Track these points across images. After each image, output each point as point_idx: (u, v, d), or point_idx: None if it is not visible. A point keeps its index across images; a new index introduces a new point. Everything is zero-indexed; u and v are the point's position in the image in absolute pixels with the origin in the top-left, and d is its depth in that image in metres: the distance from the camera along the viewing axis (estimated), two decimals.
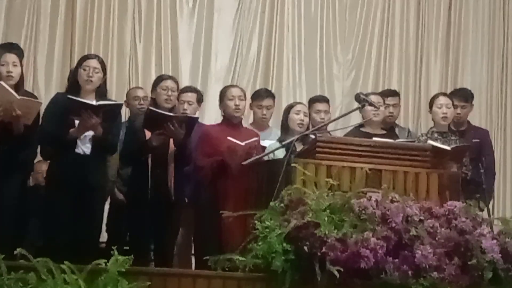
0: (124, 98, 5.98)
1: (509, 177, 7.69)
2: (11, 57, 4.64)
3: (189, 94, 5.54)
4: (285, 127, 5.18)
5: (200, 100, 5.67)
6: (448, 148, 4.87)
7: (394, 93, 6.03)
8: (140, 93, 5.75)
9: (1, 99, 4.39)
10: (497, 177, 7.09)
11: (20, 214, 4.71)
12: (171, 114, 4.93)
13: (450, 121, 5.54)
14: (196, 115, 5.31)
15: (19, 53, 4.99)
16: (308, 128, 5.08)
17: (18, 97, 4.43)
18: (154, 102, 5.17)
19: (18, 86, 4.63)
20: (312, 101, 5.75)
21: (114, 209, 5.50)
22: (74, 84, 4.81)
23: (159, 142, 4.91)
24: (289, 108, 5.28)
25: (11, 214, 4.59)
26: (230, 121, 5.21)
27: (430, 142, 4.97)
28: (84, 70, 4.76)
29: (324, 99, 5.83)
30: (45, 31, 6.88)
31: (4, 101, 4.38)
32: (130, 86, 6.73)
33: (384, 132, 5.44)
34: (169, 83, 5.20)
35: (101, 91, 4.82)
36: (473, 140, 5.49)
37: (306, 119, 5.21)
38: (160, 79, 5.32)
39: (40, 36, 6.86)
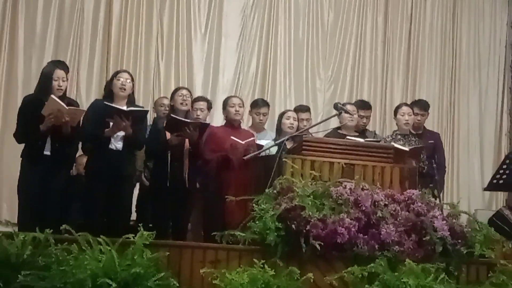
0: (150, 105, 5.99)
1: (456, 171, 7.66)
2: (61, 73, 4.59)
3: (201, 102, 5.51)
4: (279, 129, 5.18)
5: (210, 107, 5.65)
6: (406, 149, 4.85)
7: (369, 107, 5.96)
8: (165, 101, 5.72)
9: (53, 108, 4.37)
10: (447, 171, 7.09)
11: (65, 197, 4.67)
12: (188, 120, 4.91)
13: (411, 126, 5.55)
14: (207, 121, 5.28)
15: (66, 68, 4.95)
16: (297, 130, 5.06)
17: (67, 107, 4.41)
18: (172, 108, 5.14)
19: (63, 96, 4.59)
20: (296, 110, 5.70)
21: (142, 194, 5.47)
22: (109, 93, 4.78)
23: (177, 142, 4.89)
24: (282, 114, 5.30)
25: (58, 197, 4.55)
26: (231, 124, 5.18)
27: (393, 143, 4.95)
28: (118, 80, 4.73)
29: (306, 109, 5.78)
30: (86, 50, 6.84)
31: (55, 110, 4.36)
32: (154, 96, 6.74)
33: (356, 134, 5.41)
34: (184, 91, 5.18)
35: (130, 99, 4.79)
36: (429, 142, 5.45)
37: (295, 123, 5.20)
38: (177, 89, 5.31)
39: (82, 55, 6.82)
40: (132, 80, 4.83)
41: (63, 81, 4.59)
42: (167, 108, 5.44)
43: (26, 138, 4.58)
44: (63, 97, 4.56)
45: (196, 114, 5.34)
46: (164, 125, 4.94)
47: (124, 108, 4.61)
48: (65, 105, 4.41)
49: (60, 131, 4.45)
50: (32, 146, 4.55)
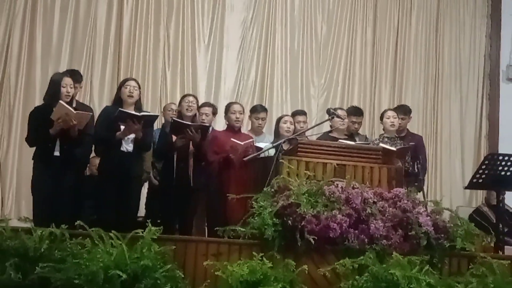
0: (158, 110, 5.98)
1: (439, 171, 7.66)
2: (69, 81, 4.59)
3: (207, 108, 5.51)
4: (277, 133, 5.22)
5: (215, 112, 5.67)
6: (394, 149, 4.85)
7: (361, 113, 5.95)
8: (173, 106, 5.74)
9: (62, 113, 4.35)
10: (430, 171, 7.12)
11: (78, 195, 4.66)
12: (189, 123, 4.91)
13: (396, 128, 5.54)
14: (208, 124, 5.26)
15: (79, 77, 4.95)
16: (293, 134, 5.08)
17: (74, 112, 4.40)
18: (179, 113, 5.16)
19: (71, 101, 4.59)
20: (294, 114, 5.73)
21: (151, 192, 5.46)
22: (118, 99, 4.77)
23: (181, 144, 4.89)
24: (279, 119, 5.35)
25: (69, 195, 4.52)
26: (232, 128, 5.19)
27: (381, 144, 4.96)
28: (126, 88, 4.73)
29: (302, 112, 5.81)
30: (98, 61, 6.84)
31: (63, 115, 4.34)
32: (161, 101, 6.75)
33: (347, 137, 5.42)
34: (190, 98, 5.19)
35: (138, 105, 4.78)
36: (410, 143, 5.45)
37: (292, 127, 5.25)
38: (184, 96, 5.32)
39: (95, 64, 6.83)
40: (139, 87, 4.82)
41: (71, 88, 4.58)
42: (175, 113, 5.44)
43: (37, 141, 4.56)
44: (71, 102, 4.56)
45: (202, 118, 5.35)
46: (169, 129, 4.95)
47: (137, 113, 4.60)
48: (72, 110, 4.40)
49: (68, 133, 4.43)
50: (43, 148, 4.52)
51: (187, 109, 5.08)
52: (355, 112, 5.82)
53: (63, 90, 4.52)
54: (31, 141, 4.63)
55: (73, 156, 4.59)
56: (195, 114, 5.16)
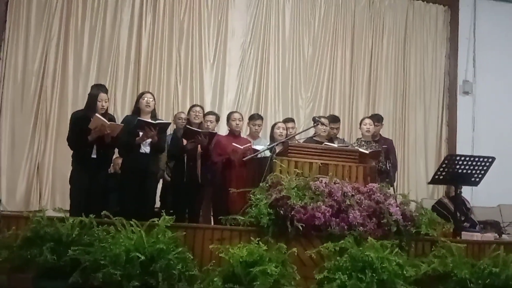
0: (171, 118, 5.94)
1: (406, 169, 7.65)
2: (104, 96, 4.58)
3: (211, 116, 5.47)
4: (271, 137, 5.22)
5: (218, 119, 5.62)
6: (367, 152, 4.85)
7: (338, 120, 5.94)
8: (182, 115, 5.68)
9: (98, 124, 4.37)
10: (399, 169, 7.12)
11: (105, 191, 4.64)
12: (199, 130, 4.91)
13: (372, 133, 5.53)
14: (215, 131, 5.25)
15: (106, 90, 4.94)
16: (284, 138, 5.06)
17: (108, 123, 4.41)
18: (188, 120, 5.16)
19: (105, 114, 4.58)
20: (285, 121, 5.72)
21: (164, 187, 5.43)
22: (137, 109, 4.76)
23: (191, 147, 4.88)
24: (273, 126, 5.35)
25: (100, 191, 4.53)
26: (233, 133, 5.18)
27: (357, 148, 4.96)
28: (143, 100, 4.72)
29: (292, 120, 5.81)
30: (121, 77, 6.80)
31: (99, 125, 4.37)
32: (173, 111, 6.69)
33: (327, 141, 5.41)
34: (197, 108, 5.19)
35: (153, 114, 4.76)
36: (382, 146, 5.46)
37: (284, 132, 5.23)
38: (192, 106, 5.33)
39: (118, 80, 6.78)
40: (154, 99, 4.81)
41: (106, 102, 4.58)
42: (184, 121, 5.43)
43: (77, 146, 4.55)
44: (105, 115, 4.56)
45: (207, 125, 5.34)
46: (182, 134, 4.93)
47: (153, 121, 4.60)
48: (107, 121, 4.41)
49: (103, 140, 4.45)
50: (82, 152, 4.51)
51: (194, 117, 5.09)
52: (333, 119, 5.82)
53: (99, 104, 4.51)
54: (72, 145, 4.59)
55: (106, 158, 4.62)
56: (201, 122, 5.17)
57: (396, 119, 7.72)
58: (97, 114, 4.42)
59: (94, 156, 4.48)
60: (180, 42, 7.05)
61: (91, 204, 4.23)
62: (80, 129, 4.46)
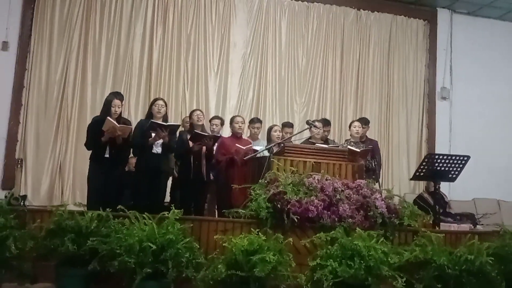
0: (180, 122, 5.94)
1: (390, 166, 7.64)
2: (117, 102, 4.60)
3: (216, 120, 5.50)
4: (269, 139, 5.19)
5: (222, 123, 5.64)
6: (358, 150, 4.86)
7: (329, 123, 5.97)
8: (189, 119, 5.72)
9: (109, 126, 4.39)
10: (384, 167, 7.12)
11: (120, 187, 4.66)
12: (206, 134, 4.92)
13: (360, 135, 5.52)
14: (218, 134, 5.25)
15: (122, 97, 4.93)
16: (281, 139, 5.07)
17: (118, 125, 4.42)
18: (191, 124, 5.16)
19: (119, 117, 4.59)
20: (283, 125, 5.72)
21: (173, 184, 5.43)
22: (150, 114, 4.78)
23: (197, 148, 4.89)
24: (270, 128, 5.33)
25: (115, 187, 4.53)
26: (236, 135, 5.18)
27: (348, 146, 4.96)
28: (155, 106, 4.73)
29: (289, 124, 5.81)
30: (134, 85, 6.82)
31: (111, 127, 4.38)
32: (181, 115, 6.70)
33: (321, 142, 5.41)
34: (198, 112, 5.19)
35: (165, 118, 4.78)
36: (368, 146, 5.46)
37: (281, 134, 5.24)
38: (193, 111, 5.32)
39: (132, 87, 6.81)
40: (166, 105, 4.82)
41: (119, 107, 4.59)
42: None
43: (93, 146, 4.57)
44: (118, 118, 4.57)
45: (212, 128, 5.36)
46: (189, 137, 4.92)
47: (164, 123, 4.60)
48: (117, 124, 4.42)
49: (115, 141, 4.45)
50: (97, 151, 4.54)
51: (197, 120, 5.10)
52: (325, 123, 5.83)
53: (112, 109, 4.53)
54: (88, 146, 4.63)
55: (119, 157, 4.60)
56: (203, 124, 5.17)
57: (381, 122, 7.73)
58: (108, 117, 4.42)
59: (107, 155, 4.48)
60: (187, 53, 7.06)
61: (107, 199, 4.23)
62: (95, 131, 4.47)
